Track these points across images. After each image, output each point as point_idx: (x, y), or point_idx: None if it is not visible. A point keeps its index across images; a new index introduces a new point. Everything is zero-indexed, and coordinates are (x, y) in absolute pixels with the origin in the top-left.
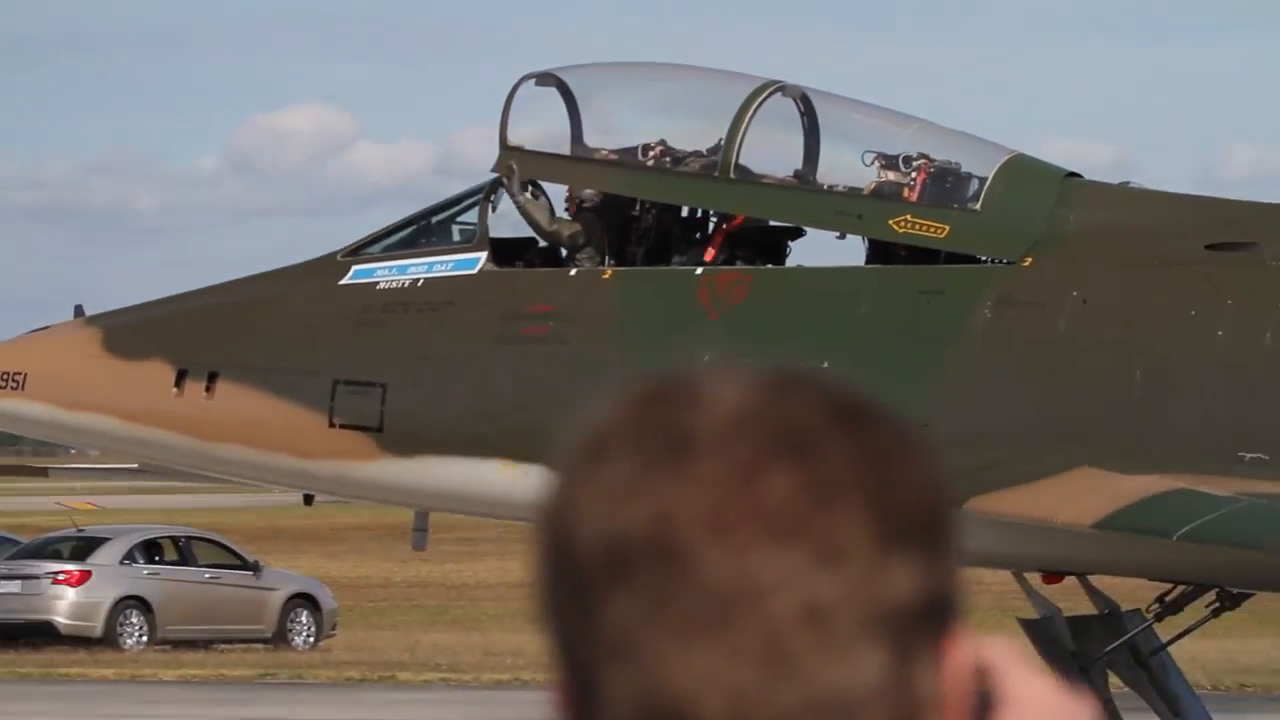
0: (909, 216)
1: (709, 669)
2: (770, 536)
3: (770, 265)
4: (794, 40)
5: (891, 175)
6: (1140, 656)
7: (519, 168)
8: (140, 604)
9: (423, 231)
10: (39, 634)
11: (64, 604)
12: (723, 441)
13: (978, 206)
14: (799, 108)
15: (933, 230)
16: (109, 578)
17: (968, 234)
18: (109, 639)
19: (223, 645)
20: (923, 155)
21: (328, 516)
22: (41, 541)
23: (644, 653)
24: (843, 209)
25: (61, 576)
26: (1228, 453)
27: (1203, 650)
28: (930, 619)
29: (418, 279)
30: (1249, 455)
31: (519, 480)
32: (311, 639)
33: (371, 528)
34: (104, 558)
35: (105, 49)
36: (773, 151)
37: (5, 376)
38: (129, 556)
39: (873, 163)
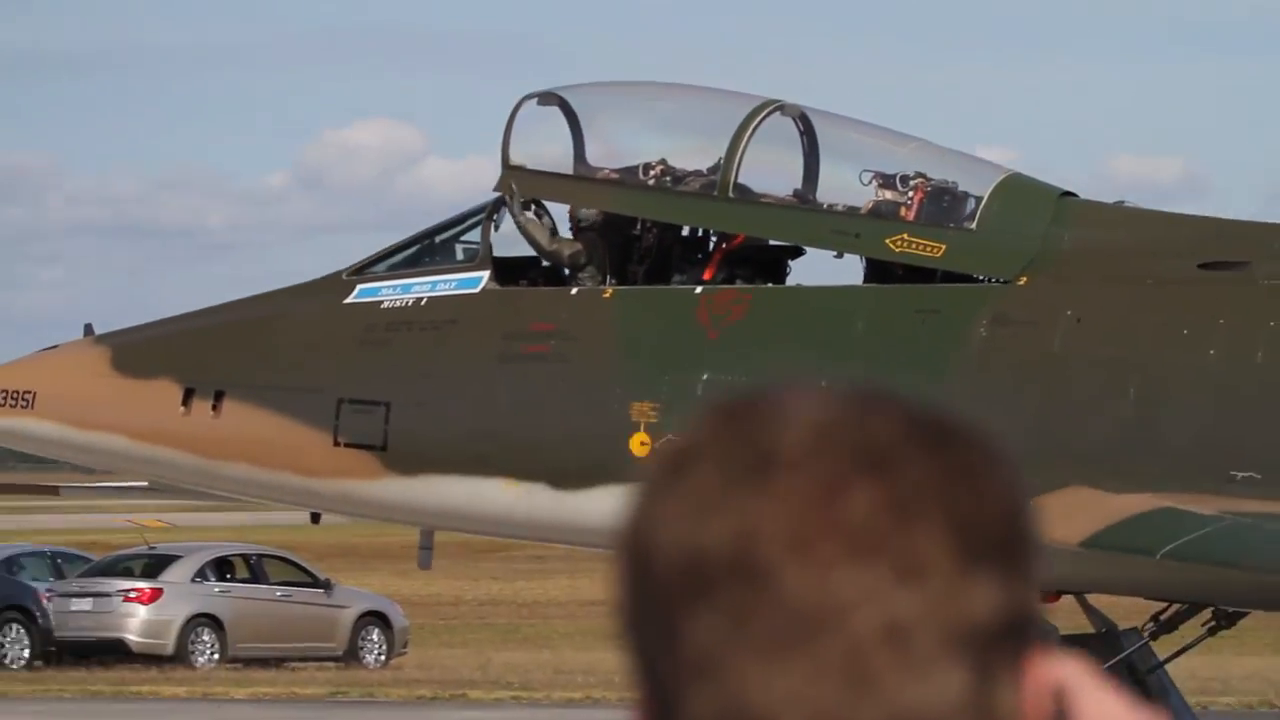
0: (906, 236)
1: (790, 687)
2: (851, 554)
3: (769, 284)
4: (854, 51)
5: (889, 194)
6: (1138, 674)
7: (520, 187)
8: (211, 622)
9: (426, 250)
10: (110, 652)
11: (135, 622)
12: (804, 459)
13: (974, 226)
14: (798, 127)
15: (929, 249)
16: (180, 595)
17: (964, 253)
18: (180, 657)
19: (294, 663)
20: (920, 174)
21: (399, 534)
22: (113, 559)
23: (725, 671)
24: (840, 228)
25: (133, 594)
26: (1220, 471)
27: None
28: (1010, 638)
29: (421, 298)
30: (1241, 474)
31: (521, 499)
32: (383, 657)
33: (443, 546)
34: (175, 575)
35: (175, 66)
36: (771, 171)
37: (15, 395)
38: (200, 574)
39: (870, 182)
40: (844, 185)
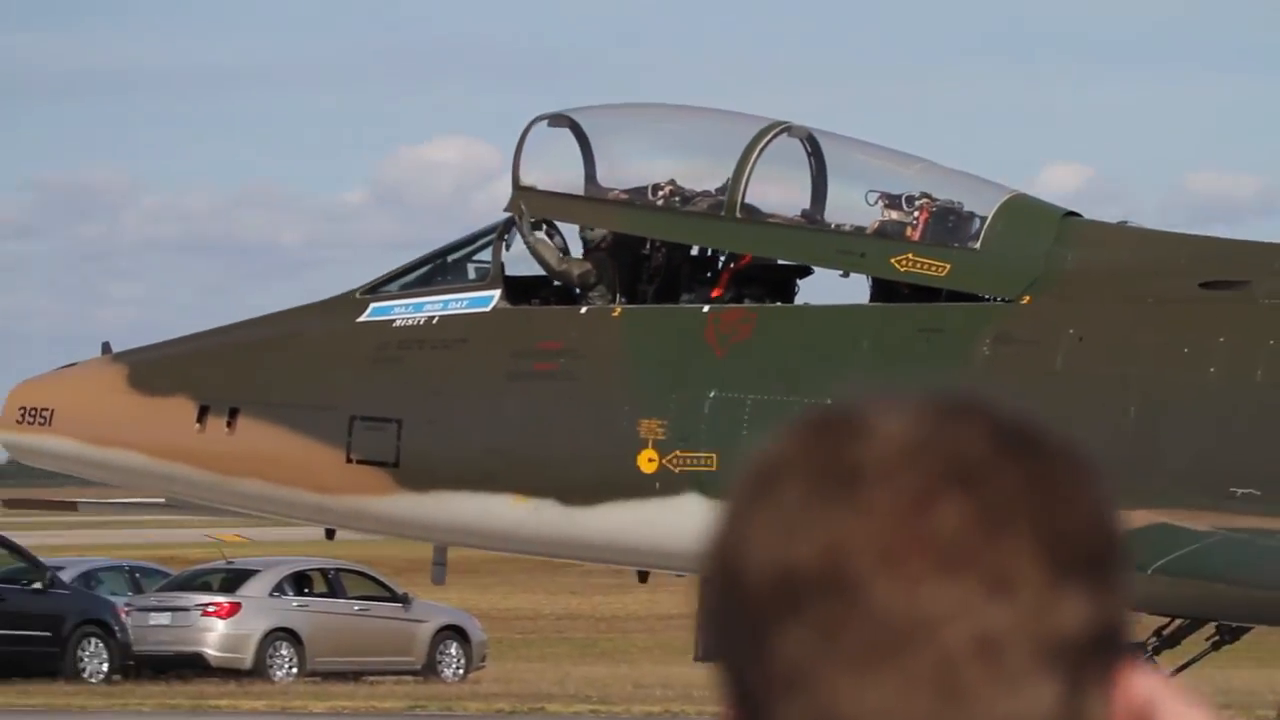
0: (910, 255)
1: (882, 701)
2: (941, 567)
3: (775, 303)
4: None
5: (894, 214)
6: None
7: (531, 207)
8: (290, 636)
9: (439, 270)
10: (189, 666)
11: (214, 636)
12: (892, 472)
13: (978, 245)
14: (805, 148)
15: (934, 269)
16: (259, 610)
17: (968, 272)
18: (259, 671)
19: (372, 677)
20: (925, 195)
21: (477, 549)
22: (191, 574)
23: (816, 684)
24: (846, 248)
25: (211, 608)
26: (1220, 488)
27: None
28: (1100, 651)
29: (433, 316)
30: (1240, 490)
31: (530, 515)
32: (461, 671)
33: (521, 560)
34: (253, 590)
35: (252, 83)
36: (778, 191)
37: (34, 412)
38: (278, 588)
39: (876, 202)
40: (850, 205)
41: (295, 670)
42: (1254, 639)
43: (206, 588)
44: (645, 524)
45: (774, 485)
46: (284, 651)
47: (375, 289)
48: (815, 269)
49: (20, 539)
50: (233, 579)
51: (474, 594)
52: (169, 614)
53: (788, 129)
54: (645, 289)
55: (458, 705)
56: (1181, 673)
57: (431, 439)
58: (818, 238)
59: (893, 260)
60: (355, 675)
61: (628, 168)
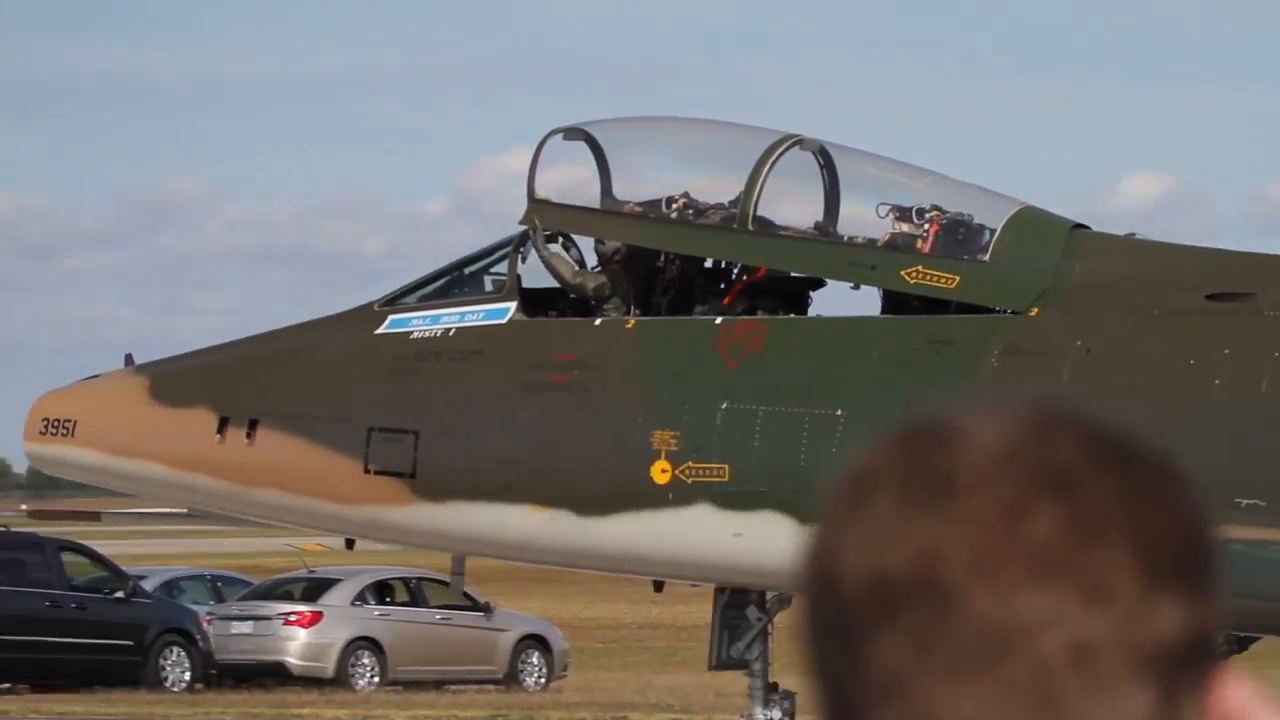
0: (920, 267)
1: (977, 709)
2: (1036, 575)
3: (786, 315)
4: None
5: (905, 227)
6: None
7: (546, 220)
8: (372, 645)
9: (456, 282)
10: (271, 675)
11: (296, 645)
12: (986, 480)
13: (987, 258)
14: (818, 161)
15: (943, 281)
16: (340, 619)
17: (977, 285)
18: (340, 680)
19: (454, 686)
20: (936, 207)
21: None
22: (273, 583)
23: (912, 692)
24: (856, 260)
25: (293, 617)
26: (1224, 499)
27: None
28: (1193, 659)
29: (449, 328)
30: (1245, 501)
31: (546, 525)
32: (543, 680)
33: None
34: (335, 599)
35: (332, 91)
36: (789, 204)
37: (57, 423)
38: (360, 597)
39: (887, 215)
40: (861, 218)
41: (377, 679)
42: (1262, 649)
43: (288, 597)
44: (658, 534)
45: (868, 493)
46: (366, 660)
47: (394, 301)
48: (827, 281)
49: (102, 548)
50: (314, 588)
51: (555, 603)
52: (251, 623)
53: (800, 142)
54: (659, 301)
55: (539, 714)
56: None
57: (448, 450)
58: (829, 250)
59: (903, 272)
60: (437, 684)
61: (642, 181)
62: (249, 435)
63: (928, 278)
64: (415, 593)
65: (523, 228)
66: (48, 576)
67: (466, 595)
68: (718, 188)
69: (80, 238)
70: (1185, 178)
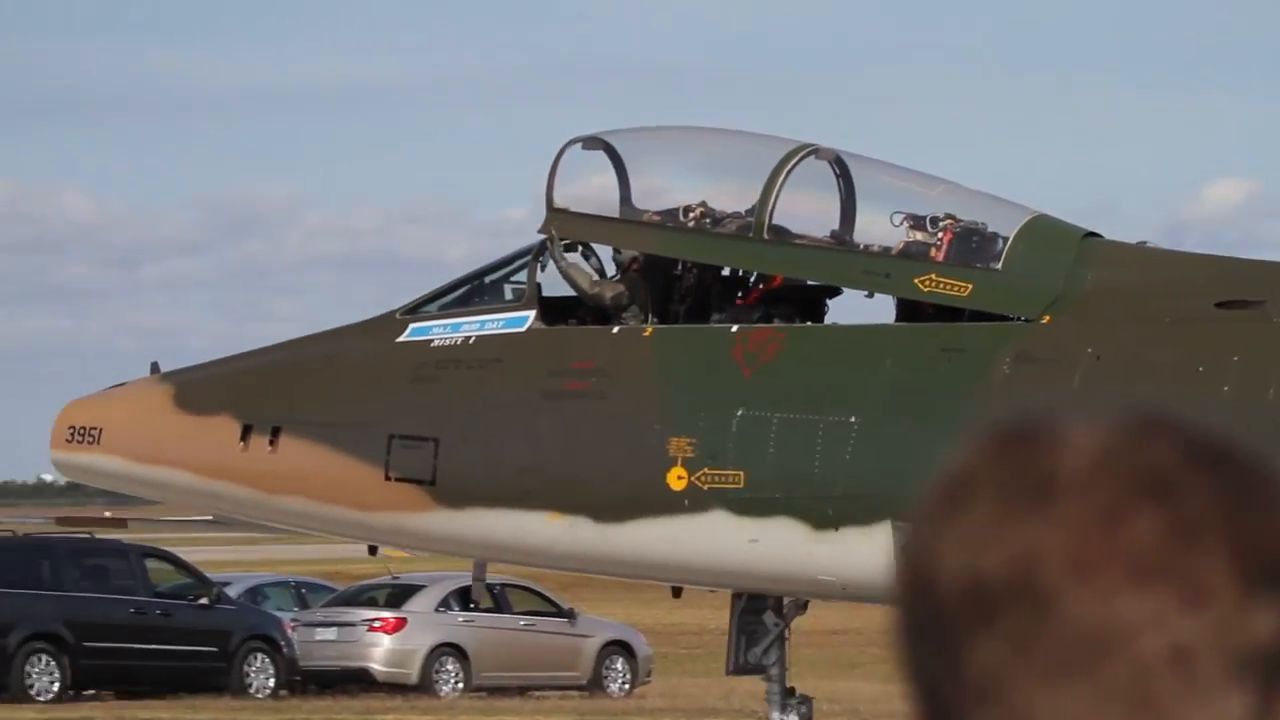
0: (934, 276)
1: (1075, 712)
2: (1134, 579)
3: (802, 323)
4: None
5: (919, 235)
6: None
7: (565, 229)
8: (456, 651)
9: (476, 290)
10: (355, 681)
11: (380, 651)
12: (1084, 484)
13: (999, 266)
14: (833, 170)
15: (956, 289)
16: (424, 625)
17: (990, 293)
18: (424, 686)
19: (538, 692)
20: (950, 216)
21: None
22: (357, 589)
23: (1009, 695)
24: (870, 268)
25: (377, 624)
26: None
27: None
28: None
29: (469, 336)
30: None
31: (564, 531)
32: (627, 686)
33: None
34: (419, 605)
35: (416, 98)
36: (804, 212)
37: (83, 431)
38: (444, 604)
39: (901, 223)
40: (875, 226)
41: (461, 685)
42: None
43: (372, 603)
44: (674, 540)
45: (966, 496)
46: (450, 667)
47: (415, 309)
48: (843, 289)
49: (186, 554)
50: (399, 594)
51: (639, 609)
52: (335, 629)
53: (815, 151)
54: (677, 309)
55: None
56: None
57: (467, 457)
58: (843, 258)
59: (916, 280)
60: (521, 690)
61: (659, 190)
62: (272, 443)
63: (941, 286)
64: (499, 599)
65: (542, 237)
66: (132, 583)
67: (550, 601)
68: (734, 196)
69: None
70: (1273, 183)
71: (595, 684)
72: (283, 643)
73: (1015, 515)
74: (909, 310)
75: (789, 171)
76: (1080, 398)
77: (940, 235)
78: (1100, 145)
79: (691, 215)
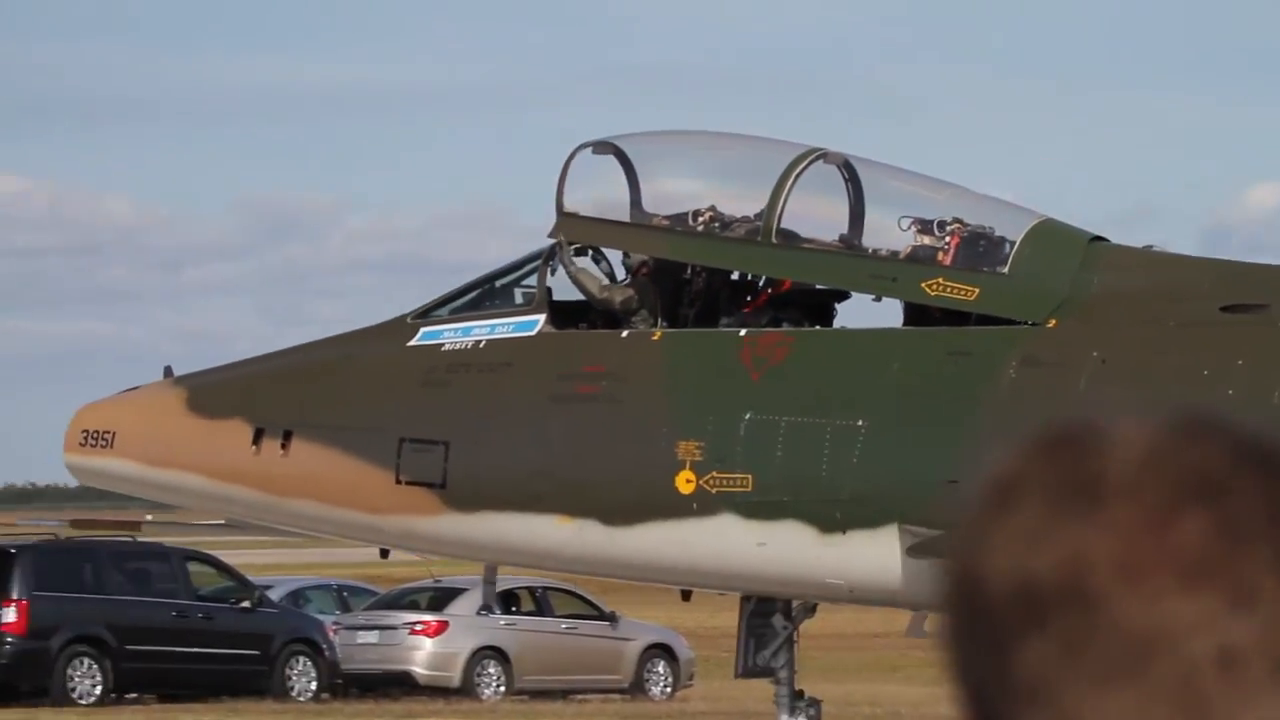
0: (941, 279)
1: (1124, 714)
2: (1183, 581)
3: (809, 327)
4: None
5: (926, 240)
6: None
7: (574, 233)
8: (497, 654)
9: (487, 295)
10: (397, 684)
11: (422, 654)
12: (1133, 487)
13: (1006, 270)
14: (842, 175)
15: (963, 293)
16: (466, 628)
17: (996, 296)
18: (466, 689)
19: (580, 695)
20: (957, 220)
21: None
22: (399, 592)
23: (1059, 697)
24: (878, 272)
25: (419, 627)
26: None
27: None
28: None
29: (480, 340)
30: None
31: (574, 535)
32: (669, 689)
33: None
34: (461, 608)
35: (458, 103)
36: (812, 216)
37: (96, 435)
38: (486, 607)
39: (909, 227)
40: (883, 230)
41: (503, 689)
42: None
43: (414, 606)
44: (683, 543)
45: (1014, 498)
46: (492, 670)
47: (426, 314)
48: (851, 293)
49: (228, 558)
50: (440, 597)
51: (681, 612)
52: (377, 632)
53: (823, 155)
54: (686, 313)
55: None
56: None
57: (477, 460)
58: (851, 262)
59: (924, 284)
60: (563, 694)
61: (669, 194)
62: (284, 446)
63: (948, 290)
64: (541, 602)
65: (552, 241)
66: (174, 587)
67: (592, 605)
68: (743, 200)
69: (205, 248)
70: None
71: (637, 687)
72: (324, 646)
73: (1064, 518)
74: (916, 314)
75: (797, 176)
76: (1085, 401)
77: (948, 239)
78: (1141, 148)
79: (700, 219)
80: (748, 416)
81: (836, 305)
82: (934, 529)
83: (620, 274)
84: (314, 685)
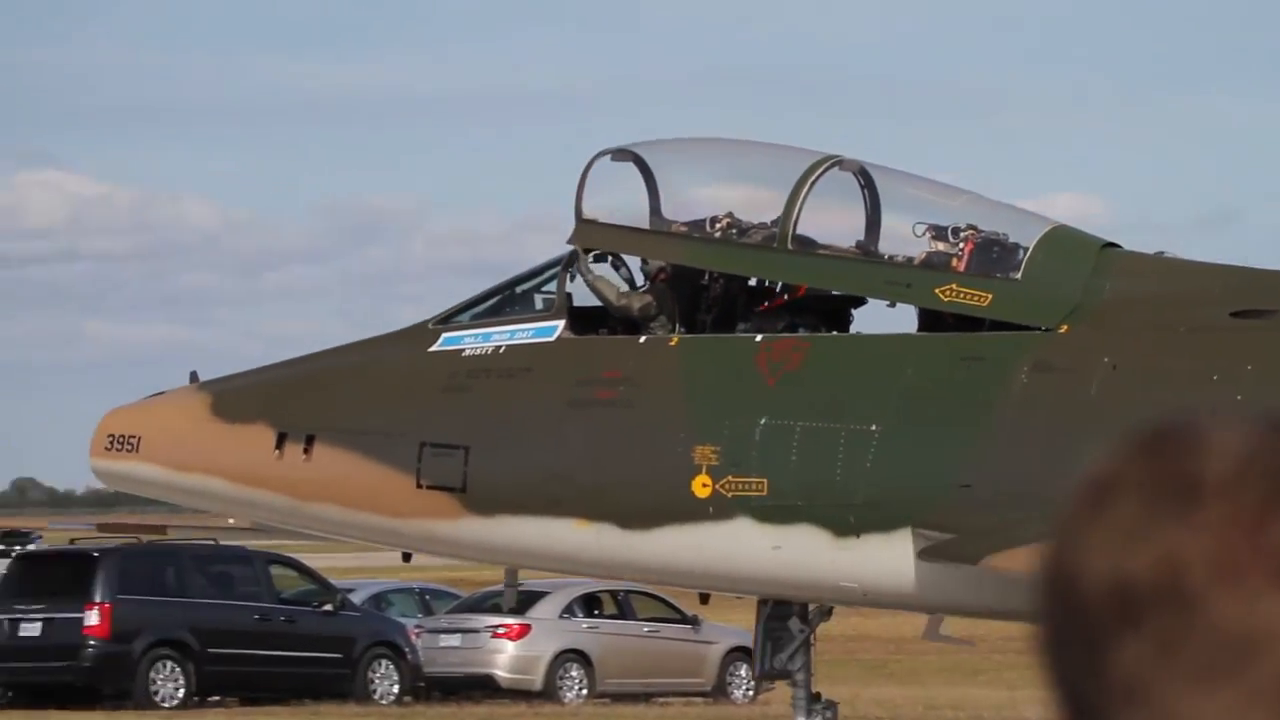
0: (954, 285)
1: (1221, 715)
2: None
3: (826, 333)
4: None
5: (941, 246)
6: None
7: (592, 240)
8: (580, 657)
9: (507, 301)
10: (479, 687)
11: (504, 657)
12: (1229, 487)
13: (1019, 276)
14: (858, 181)
15: (977, 299)
16: (548, 631)
17: (1009, 302)
18: (548, 693)
19: (662, 698)
20: (971, 226)
21: None
22: (481, 595)
23: (1155, 698)
24: (892, 278)
25: (501, 630)
26: None
27: None
28: None
29: (500, 346)
30: None
31: (591, 538)
32: (751, 692)
33: None
34: (543, 611)
35: (542, 108)
36: (827, 223)
37: (122, 439)
38: (568, 610)
39: (924, 234)
40: (898, 237)
41: (585, 692)
42: None
43: (496, 609)
44: (699, 547)
45: (1110, 498)
46: (574, 673)
47: (447, 320)
48: (867, 299)
49: (310, 561)
50: (523, 601)
51: None
52: (459, 635)
53: (839, 162)
54: (703, 319)
55: None
56: None
57: (497, 465)
58: (866, 269)
59: (937, 290)
60: (645, 697)
61: (686, 201)
62: (306, 450)
63: (961, 295)
64: (623, 605)
65: (571, 247)
66: (257, 590)
67: (674, 608)
68: (761, 207)
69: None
70: None
71: (719, 690)
72: (407, 649)
73: (1161, 518)
74: (930, 319)
75: (813, 182)
76: (1096, 406)
77: (962, 245)
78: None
79: (718, 226)
80: (763, 421)
81: (852, 311)
82: (946, 532)
83: (639, 280)
84: (396, 688)
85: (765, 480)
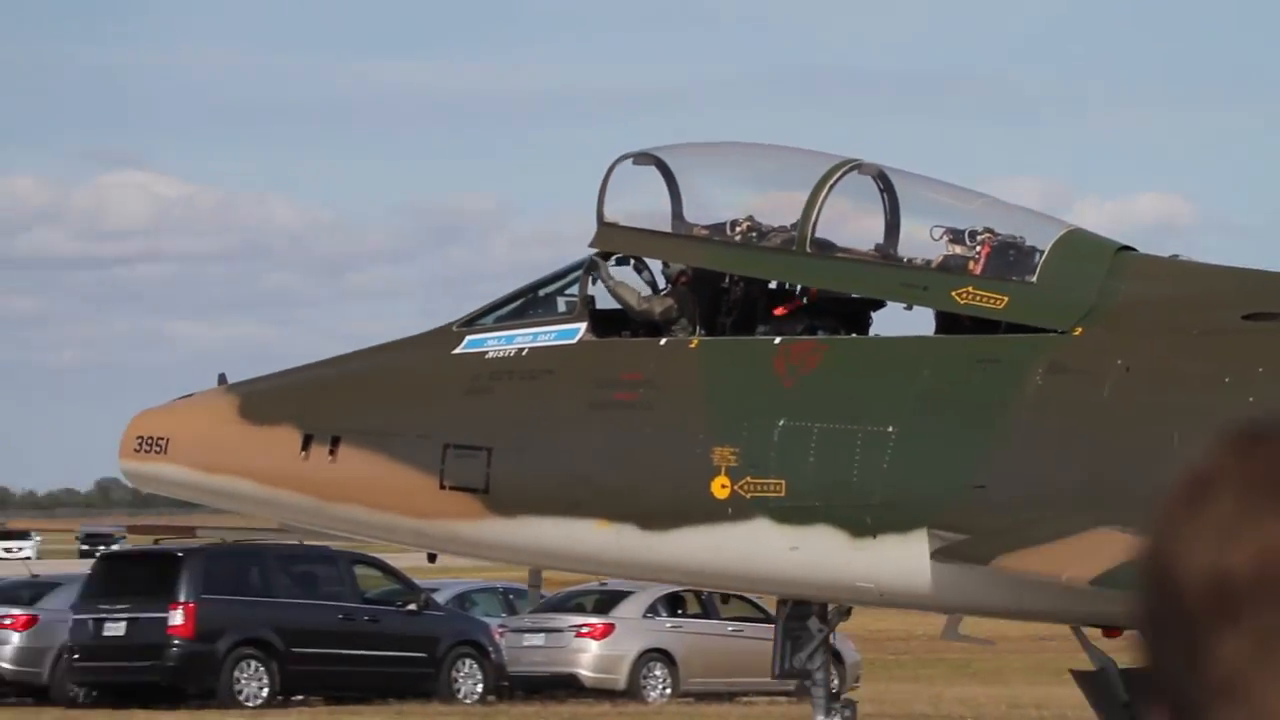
0: (970, 288)
1: None
2: None
3: (844, 335)
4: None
5: (957, 249)
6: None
7: (614, 243)
8: (664, 657)
9: (530, 303)
10: (563, 687)
11: (588, 657)
12: None
13: (1034, 278)
14: (877, 185)
15: (992, 301)
16: (632, 631)
17: (1024, 305)
18: (632, 692)
19: (746, 698)
20: (987, 229)
21: None
22: (565, 595)
23: (1253, 693)
24: (909, 281)
25: (585, 629)
26: None
27: None
28: None
29: (523, 348)
30: None
31: (612, 539)
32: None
33: None
34: (627, 611)
35: (618, 108)
36: (846, 226)
37: (151, 441)
38: (652, 609)
39: (940, 237)
40: (914, 240)
41: (669, 691)
42: None
43: (580, 609)
44: (718, 548)
45: (1209, 495)
46: (658, 672)
47: (471, 322)
48: (885, 302)
49: (394, 561)
50: (606, 600)
51: None
52: (543, 635)
53: (858, 166)
54: (723, 321)
55: None
56: None
57: (519, 466)
58: (883, 271)
59: (954, 293)
60: (729, 696)
61: (707, 204)
62: (332, 452)
63: (977, 298)
64: (706, 605)
65: (593, 251)
66: (341, 590)
67: (758, 607)
68: (780, 211)
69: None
70: None
71: (803, 690)
72: (491, 649)
73: (1260, 513)
74: (947, 322)
75: (831, 186)
76: (1109, 408)
77: (978, 249)
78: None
79: (738, 229)
80: (781, 423)
81: (870, 313)
82: (961, 533)
83: (660, 283)
84: (480, 688)
85: (783, 481)
